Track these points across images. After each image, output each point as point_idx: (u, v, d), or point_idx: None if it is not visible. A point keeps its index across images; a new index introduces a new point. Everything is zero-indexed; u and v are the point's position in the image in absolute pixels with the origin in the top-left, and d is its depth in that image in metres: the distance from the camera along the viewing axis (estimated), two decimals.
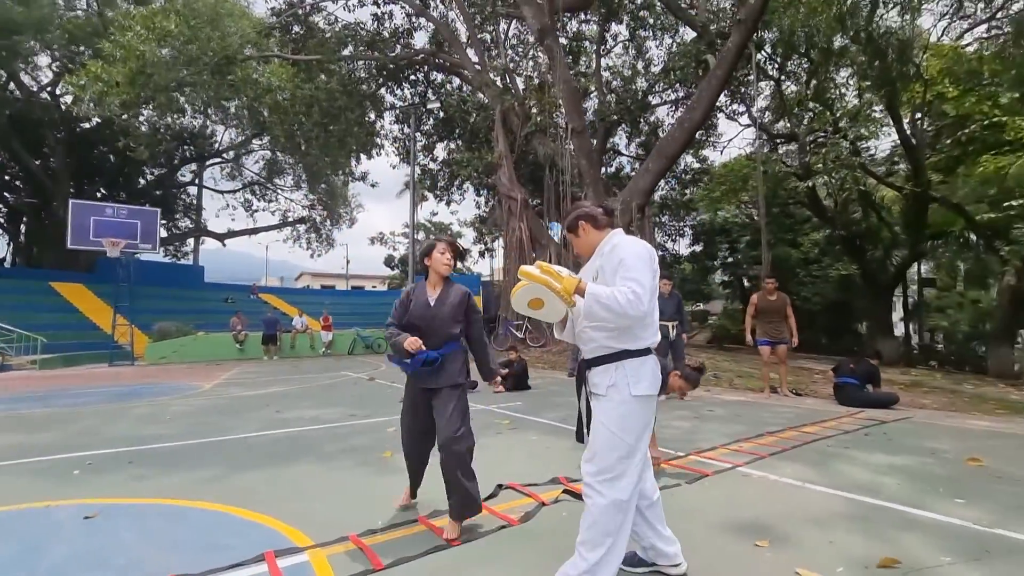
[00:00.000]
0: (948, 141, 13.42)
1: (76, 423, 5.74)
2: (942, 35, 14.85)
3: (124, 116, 16.47)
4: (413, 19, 20.15)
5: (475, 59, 18.52)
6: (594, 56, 21.11)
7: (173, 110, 18.12)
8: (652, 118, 22.43)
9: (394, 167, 23.76)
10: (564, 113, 16.30)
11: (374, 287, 43.73)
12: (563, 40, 18.52)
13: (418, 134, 21.39)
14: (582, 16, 20.52)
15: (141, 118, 19.05)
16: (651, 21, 19.45)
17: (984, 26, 14.15)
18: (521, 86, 19.05)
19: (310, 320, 18.61)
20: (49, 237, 21.84)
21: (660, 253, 23.04)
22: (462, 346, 2.84)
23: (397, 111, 22.30)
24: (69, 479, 3.64)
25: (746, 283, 22.42)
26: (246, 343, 15.78)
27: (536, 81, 18.64)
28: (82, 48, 19.20)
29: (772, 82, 17.47)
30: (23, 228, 24.64)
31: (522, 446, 4.56)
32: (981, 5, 13.67)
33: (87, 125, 21.81)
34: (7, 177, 22.85)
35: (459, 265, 3.06)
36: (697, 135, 18.00)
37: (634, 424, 1.92)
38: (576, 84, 17.93)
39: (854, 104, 16.51)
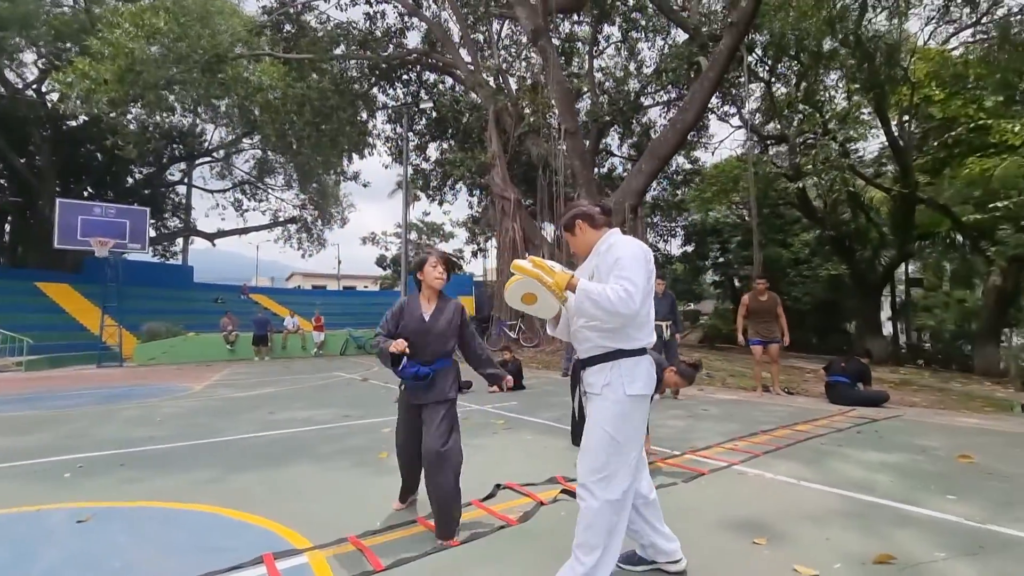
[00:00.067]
0: (935, 143, 13.64)
1: (65, 425, 5.65)
2: (928, 39, 15.10)
3: (112, 114, 16.26)
4: (406, 18, 20.11)
5: (468, 59, 18.50)
6: (587, 57, 21.19)
7: (162, 108, 17.93)
8: (644, 119, 22.59)
9: (386, 167, 23.70)
10: (557, 114, 16.34)
11: (366, 287, 43.52)
12: (556, 41, 18.55)
13: (411, 134, 21.32)
14: (575, 17, 20.58)
15: (129, 116, 18.82)
16: (643, 23, 19.57)
17: (969, 31, 14.40)
18: (514, 86, 19.07)
19: (302, 321, 18.48)
20: (34, 236, 21.50)
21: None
22: (453, 362, 2.83)
23: (389, 111, 22.25)
24: (60, 482, 3.58)
25: (737, 283, 22.61)
26: (237, 344, 15.63)
27: (529, 82, 18.66)
28: (68, 45, 18.93)
29: (763, 84, 17.64)
30: (8, 227, 24.22)
31: (518, 446, 4.56)
32: (967, 10, 13.90)
33: (74, 123, 21.50)
34: None
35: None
36: (689, 136, 18.12)
37: (628, 424, 1.92)
38: (569, 85, 17.98)
39: (843, 106, 16.73)
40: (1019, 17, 12.49)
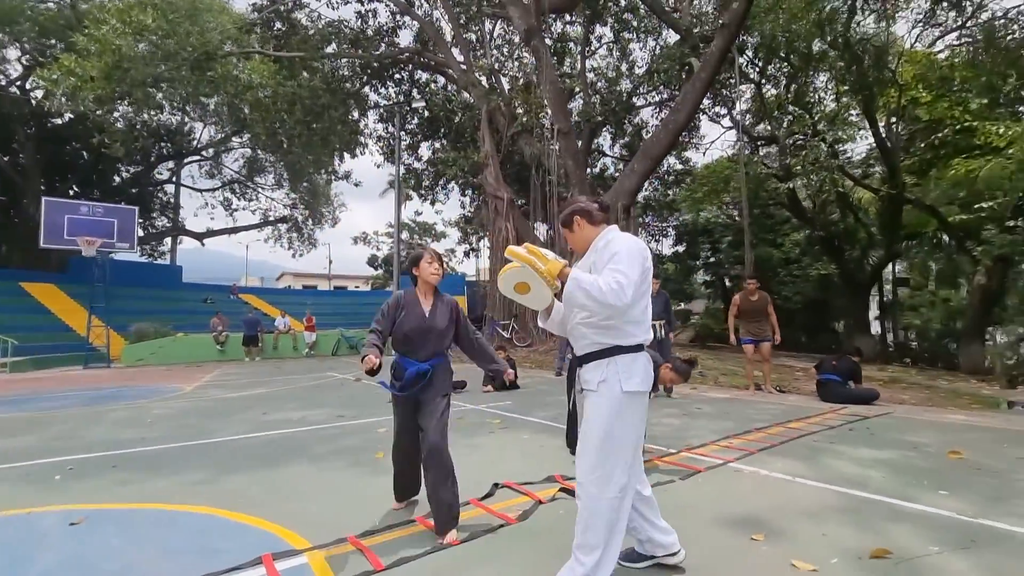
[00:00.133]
0: (922, 145, 13.85)
1: (53, 427, 5.56)
2: (915, 42, 15.31)
3: (99, 112, 15.98)
4: (398, 17, 20.03)
5: (460, 59, 18.47)
6: (579, 57, 21.25)
7: (150, 106, 17.69)
8: (636, 119, 22.68)
9: (378, 166, 23.58)
10: (550, 113, 16.36)
11: (357, 287, 43.29)
12: (548, 41, 18.58)
13: (403, 133, 21.25)
14: (567, 18, 20.63)
15: (116, 114, 18.54)
16: (635, 24, 19.64)
17: (955, 34, 14.62)
18: (506, 86, 19.07)
19: (293, 321, 18.34)
20: (18, 236, 21.11)
21: None
22: (448, 358, 2.86)
23: (381, 110, 22.14)
24: (50, 485, 3.52)
25: (727, 282, 22.77)
26: (227, 344, 15.48)
27: (522, 81, 18.67)
28: (53, 41, 18.61)
29: (753, 85, 17.80)
30: None
31: (515, 445, 4.56)
32: (952, 14, 14.12)
33: (59, 121, 21.12)
34: None
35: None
36: (680, 137, 18.23)
37: (626, 421, 1.91)
38: (562, 85, 18.02)
39: (832, 108, 16.92)
40: (1003, 21, 12.71)
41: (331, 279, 46.48)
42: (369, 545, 2.43)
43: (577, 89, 20.70)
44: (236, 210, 28.14)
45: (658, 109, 21.69)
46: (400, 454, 2.87)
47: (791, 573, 2.16)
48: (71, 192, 23.05)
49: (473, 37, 20.36)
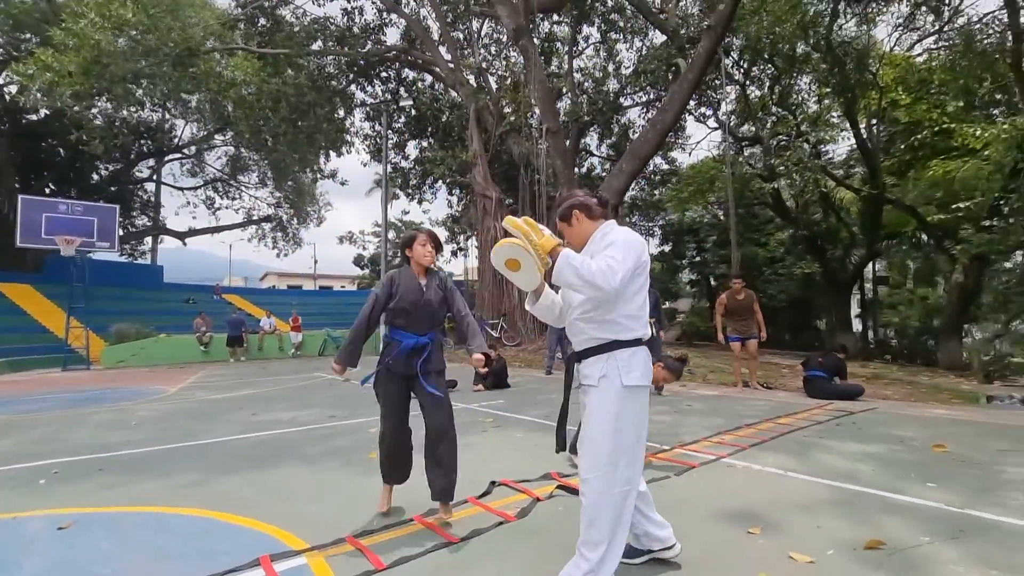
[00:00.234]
0: (901, 146, 14.15)
1: (33, 430, 5.42)
2: (895, 46, 15.65)
3: (76, 108, 15.62)
4: (384, 15, 19.88)
5: (448, 57, 18.40)
6: (566, 57, 21.30)
7: (130, 102, 17.32)
8: (624, 119, 22.82)
9: (365, 165, 23.38)
10: (538, 113, 16.38)
11: (343, 287, 42.85)
12: (536, 40, 18.59)
13: (390, 131, 21.10)
14: (554, 17, 20.66)
15: (95, 110, 18.13)
16: (622, 24, 19.76)
17: (933, 38, 14.98)
18: (494, 85, 19.05)
19: (278, 321, 18.10)
20: None
21: None
22: (440, 337, 2.94)
23: (368, 108, 21.96)
24: (35, 489, 3.43)
25: (713, 281, 23.04)
26: (211, 345, 15.22)
27: (510, 81, 18.67)
28: (29, 35, 18.11)
29: (738, 87, 18.02)
30: None
31: (509, 443, 4.56)
32: (931, 18, 14.46)
33: (34, 117, 20.60)
34: None
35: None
36: (667, 137, 18.37)
37: (627, 415, 1.89)
38: (550, 85, 18.04)
39: (815, 109, 17.22)
40: (979, 26, 13.05)
41: (316, 279, 46.00)
42: (368, 544, 2.41)
43: (565, 89, 20.76)
44: (219, 209, 27.68)
45: (645, 109, 21.86)
46: (391, 438, 2.89)
47: (788, 565, 2.19)
48: (47, 190, 22.41)
49: (461, 36, 20.29)
